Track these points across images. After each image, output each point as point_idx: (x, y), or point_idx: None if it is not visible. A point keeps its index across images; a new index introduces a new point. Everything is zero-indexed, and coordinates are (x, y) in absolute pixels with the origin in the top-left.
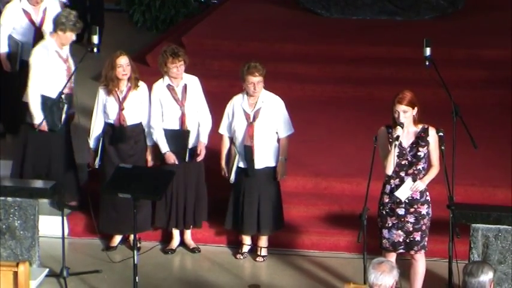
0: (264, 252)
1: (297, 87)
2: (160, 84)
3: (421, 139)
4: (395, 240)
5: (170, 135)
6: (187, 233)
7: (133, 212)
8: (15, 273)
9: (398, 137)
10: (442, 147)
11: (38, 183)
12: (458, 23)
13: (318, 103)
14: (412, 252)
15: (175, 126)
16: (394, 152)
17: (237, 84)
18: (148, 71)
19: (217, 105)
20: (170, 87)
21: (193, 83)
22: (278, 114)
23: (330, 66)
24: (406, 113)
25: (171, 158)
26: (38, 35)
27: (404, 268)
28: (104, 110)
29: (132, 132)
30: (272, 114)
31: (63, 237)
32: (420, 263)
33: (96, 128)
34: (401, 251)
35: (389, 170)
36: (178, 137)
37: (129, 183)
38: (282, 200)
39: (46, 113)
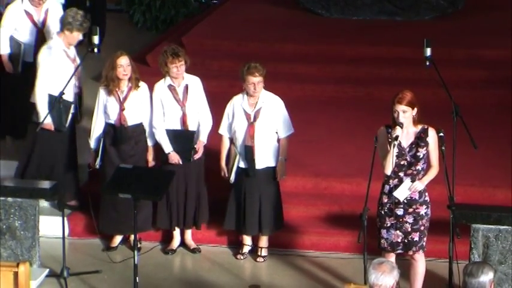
0: (264, 252)
1: (297, 87)
2: (161, 85)
3: (420, 139)
4: (394, 241)
5: (174, 135)
6: (188, 234)
7: (133, 212)
8: (16, 274)
9: (397, 136)
10: (443, 148)
11: (38, 184)
12: (458, 23)
13: (318, 103)
14: (411, 252)
15: (177, 126)
16: (393, 151)
17: (237, 85)
18: (148, 71)
19: (217, 106)
20: (171, 88)
21: (194, 83)
22: (278, 114)
23: (330, 66)
24: (405, 113)
25: (175, 158)
26: (40, 36)
27: (404, 268)
28: (104, 110)
29: (132, 133)
30: (272, 114)
31: (63, 238)
32: (420, 263)
33: (97, 128)
34: (399, 251)
35: (388, 170)
36: (182, 138)
37: (130, 183)
38: (281, 200)
39: (53, 112)
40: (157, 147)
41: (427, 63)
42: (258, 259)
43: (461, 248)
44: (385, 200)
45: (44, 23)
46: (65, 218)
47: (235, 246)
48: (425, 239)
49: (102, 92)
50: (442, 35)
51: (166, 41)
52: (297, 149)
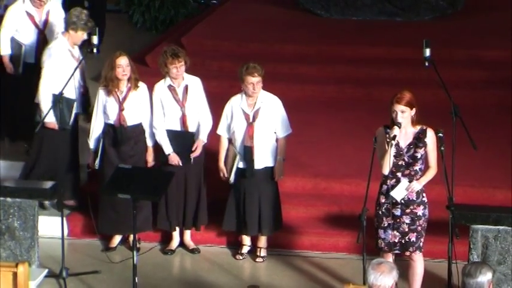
0: (263, 252)
1: (297, 88)
2: (161, 85)
3: (418, 140)
4: (391, 241)
5: (173, 136)
6: (187, 234)
7: (132, 212)
8: (15, 274)
9: (395, 136)
10: (442, 148)
11: (38, 184)
12: (458, 23)
13: (318, 104)
14: (408, 253)
15: (177, 127)
16: (391, 151)
17: (236, 85)
18: (148, 72)
19: (217, 106)
20: (171, 88)
21: (194, 83)
22: (276, 114)
23: (330, 66)
24: (404, 113)
25: (175, 159)
26: (41, 37)
27: (403, 269)
28: (103, 110)
29: (132, 133)
30: (271, 114)
31: (62, 238)
32: (418, 264)
33: (96, 128)
34: (397, 251)
35: (386, 169)
36: (181, 139)
37: (129, 183)
38: (280, 200)
39: (55, 111)
40: (157, 147)
41: (427, 64)
42: (257, 259)
43: (461, 249)
44: (383, 200)
45: (45, 24)
46: (64, 219)
47: (235, 246)
48: (422, 239)
49: (101, 92)
50: (442, 36)
51: (165, 42)
52: (296, 149)
